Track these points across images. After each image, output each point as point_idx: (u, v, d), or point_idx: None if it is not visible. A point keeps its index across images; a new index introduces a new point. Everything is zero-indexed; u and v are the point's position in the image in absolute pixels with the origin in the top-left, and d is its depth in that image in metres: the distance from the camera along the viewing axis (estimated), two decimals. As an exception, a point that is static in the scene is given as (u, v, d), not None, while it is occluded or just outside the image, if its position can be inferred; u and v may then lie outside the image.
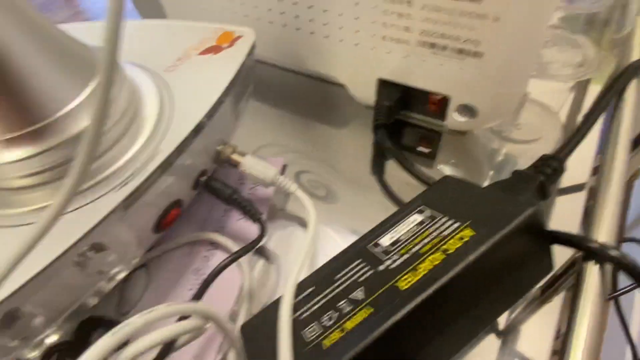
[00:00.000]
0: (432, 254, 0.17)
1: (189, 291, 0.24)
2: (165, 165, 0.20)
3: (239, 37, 0.25)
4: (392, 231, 0.20)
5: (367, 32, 0.27)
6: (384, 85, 0.30)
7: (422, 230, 0.19)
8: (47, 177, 0.18)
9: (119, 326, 0.13)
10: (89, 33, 0.19)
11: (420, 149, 0.31)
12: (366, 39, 0.27)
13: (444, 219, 0.19)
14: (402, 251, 0.18)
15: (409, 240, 0.19)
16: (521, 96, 0.27)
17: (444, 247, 0.17)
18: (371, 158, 0.31)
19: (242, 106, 0.27)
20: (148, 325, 0.13)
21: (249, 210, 0.24)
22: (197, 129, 0.21)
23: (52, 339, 0.16)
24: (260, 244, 0.23)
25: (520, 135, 0.31)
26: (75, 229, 0.17)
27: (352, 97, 0.33)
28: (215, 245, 0.25)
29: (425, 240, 0.18)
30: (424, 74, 0.27)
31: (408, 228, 0.20)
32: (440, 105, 0.29)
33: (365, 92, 0.31)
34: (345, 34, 0.28)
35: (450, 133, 0.31)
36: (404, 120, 0.32)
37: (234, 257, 0.21)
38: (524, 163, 0.26)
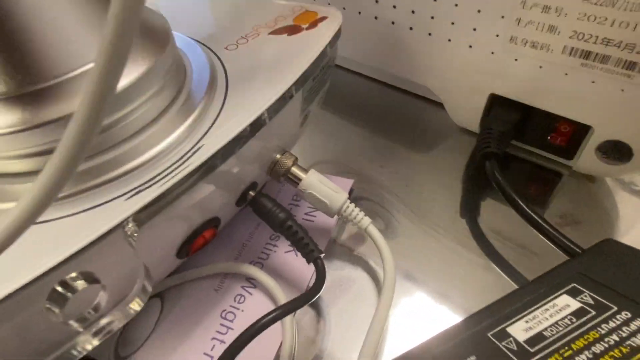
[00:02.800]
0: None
1: (212, 341, 0.18)
2: (205, 171, 0.14)
3: (323, 18, 0.20)
4: (528, 317, 0.13)
5: (490, 30, 0.20)
6: (499, 105, 0.23)
7: (584, 326, 0.12)
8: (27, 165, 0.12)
9: None
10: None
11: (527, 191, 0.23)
12: (486, 40, 0.21)
13: (624, 314, 0.12)
14: (554, 358, 0.11)
15: (562, 339, 0.12)
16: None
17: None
18: (462, 194, 0.24)
19: (311, 108, 0.21)
20: None
21: (306, 246, 0.17)
22: (254, 127, 0.15)
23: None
24: (317, 296, 0.16)
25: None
26: (55, 246, 0.11)
27: (444, 116, 0.27)
28: (253, 282, 0.19)
29: (599, 348, 0.11)
30: (561, 93, 0.20)
31: (555, 318, 0.13)
32: (570, 137, 0.22)
33: (469, 112, 0.25)
34: (458, 31, 0.22)
35: (574, 176, 0.23)
36: (508, 153, 0.25)
37: (278, 314, 0.15)
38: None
